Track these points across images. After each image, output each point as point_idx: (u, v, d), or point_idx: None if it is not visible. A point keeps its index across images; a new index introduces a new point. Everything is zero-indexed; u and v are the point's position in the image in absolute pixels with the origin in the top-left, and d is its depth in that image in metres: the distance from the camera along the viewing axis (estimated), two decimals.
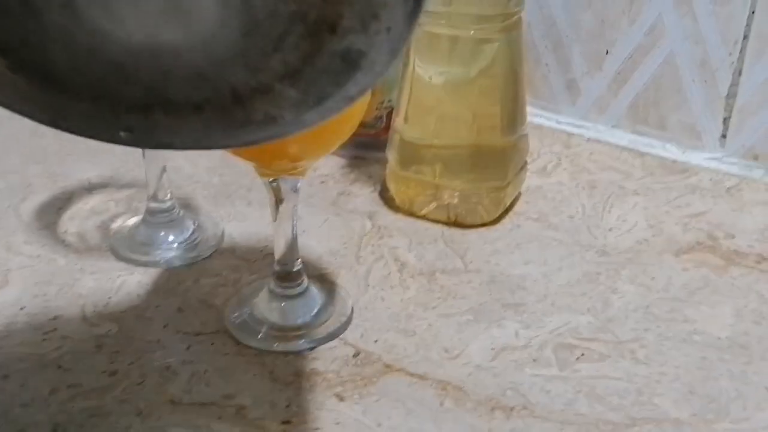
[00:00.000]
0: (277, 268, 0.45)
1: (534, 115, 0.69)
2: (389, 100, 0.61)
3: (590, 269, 0.50)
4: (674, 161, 0.64)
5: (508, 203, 0.56)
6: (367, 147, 0.64)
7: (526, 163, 0.57)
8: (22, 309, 0.46)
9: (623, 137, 0.67)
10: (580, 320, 0.46)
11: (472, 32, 0.50)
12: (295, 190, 0.43)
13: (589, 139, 0.68)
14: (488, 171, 0.54)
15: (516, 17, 0.51)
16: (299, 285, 0.45)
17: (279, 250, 0.44)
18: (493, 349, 0.43)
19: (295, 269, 0.45)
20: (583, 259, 0.51)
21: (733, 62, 0.61)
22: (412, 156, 0.54)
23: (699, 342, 0.44)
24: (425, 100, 0.53)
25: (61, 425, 0.38)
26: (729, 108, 0.62)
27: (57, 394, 0.40)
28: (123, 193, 0.59)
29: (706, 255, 0.52)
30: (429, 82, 0.52)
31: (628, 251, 0.52)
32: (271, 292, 0.45)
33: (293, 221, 0.43)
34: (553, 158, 0.64)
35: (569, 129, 0.69)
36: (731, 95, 0.62)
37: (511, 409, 0.39)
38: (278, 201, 0.42)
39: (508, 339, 0.44)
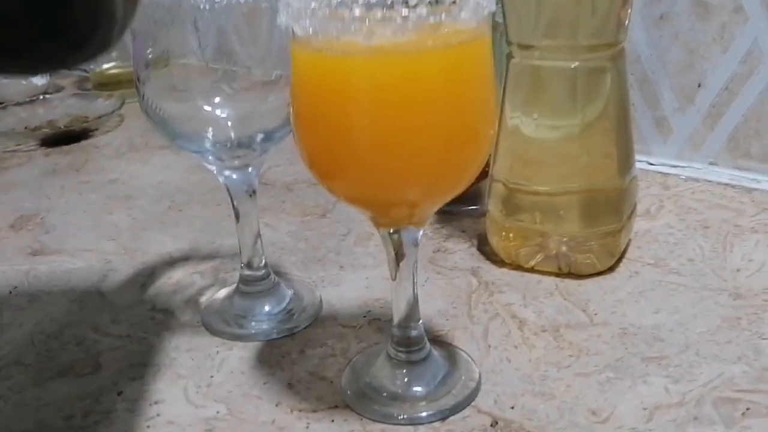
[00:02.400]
0: (396, 332, 0.41)
1: None
2: None
3: (728, 314, 0.46)
4: None
5: (621, 249, 0.52)
6: (455, 201, 0.60)
7: (635, 205, 0.53)
8: (119, 395, 0.42)
9: (723, 174, 0.63)
10: (733, 370, 0.41)
11: (575, 64, 0.47)
12: (416, 244, 0.39)
13: (687, 179, 0.64)
14: (600, 217, 0.50)
15: (621, 45, 0.48)
16: (421, 349, 0.41)
17: (399, 311, 0.41)
18: (645, 408, 0.39)
19: (415, 333, 0.41)
20: (717, 304, 0.47)
21: None
22: (515, 205, 0.51)
23: None
24: (529, 147, 0.49)
25: None
26: None
27: None
28: (206, 264, 0.55)
29: None
30: (533, 128, 0.49)
31: (765, 292, 0.48)
32: (390, 359, 0.41)
33: (414, 278, 0.40)
34: (654, 201, 0.60)
35: (663, 170, 0.65)
36: None
37: None
38: (399, 256, 0.39)
39: (659, 396, 0.39)
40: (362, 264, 0.54)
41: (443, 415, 0.39)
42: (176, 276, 0.54)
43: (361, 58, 0.31)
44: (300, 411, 0.40)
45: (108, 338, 0.47)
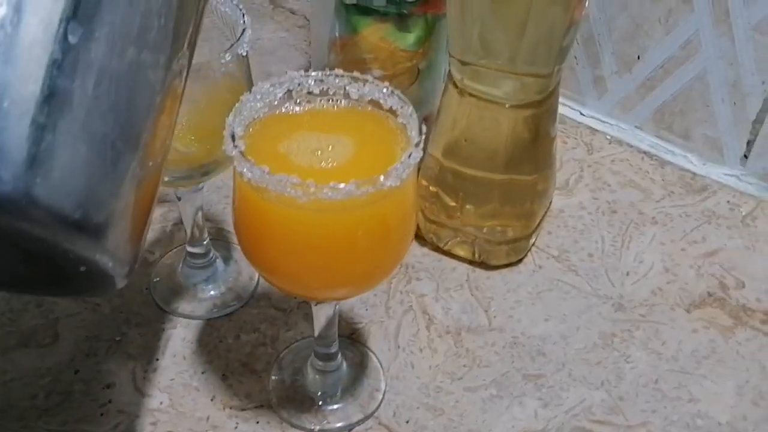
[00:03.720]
0: (316, 347, 0.48)
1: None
2: None
3: (606, 329, 0.53)
4: (694, 175, 0.65)
5: (533, 243, 0.58)
6: None
7: (550, 204, 0.58)
8: (76, 373, 0.49)
9: (645, 139, 0.68)
10: (594, 397, 0.49)
11: (507, 106, 0.50)
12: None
13: (611, 140, 0.68)
14: (516, 212, 0.55)
15: (558, 80, 0.51)
16: (335, 361, 0.49)
17: (319, 326, 0.47)
18: None
19: (333, 350, 0.48)
20: (600, 316, 0.54)
21: (765, 90, 0.60)
22: (443, 183, 0.55)
23: (702, 428, 0.48)
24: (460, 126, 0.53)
25: None
26: (755, 132, 0.62)
27: None
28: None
29: (715, 311, 0.55)
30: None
31: (643, 304, 0.55)
32: (311, 366, 0.49)
33: (335, 314, 0.45)
34: (575, 169, 0.65)
35: (592, 123, 0.70)
36: (759, 121, 0.62)
37: None
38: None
39: (528, 421, 0.48)
40: None
41: (350, 427, 0.47)
42: None
43: (295, 212, 0.35)
44: (231, 408, 0.48)
45: (64, 301, 0.53)
